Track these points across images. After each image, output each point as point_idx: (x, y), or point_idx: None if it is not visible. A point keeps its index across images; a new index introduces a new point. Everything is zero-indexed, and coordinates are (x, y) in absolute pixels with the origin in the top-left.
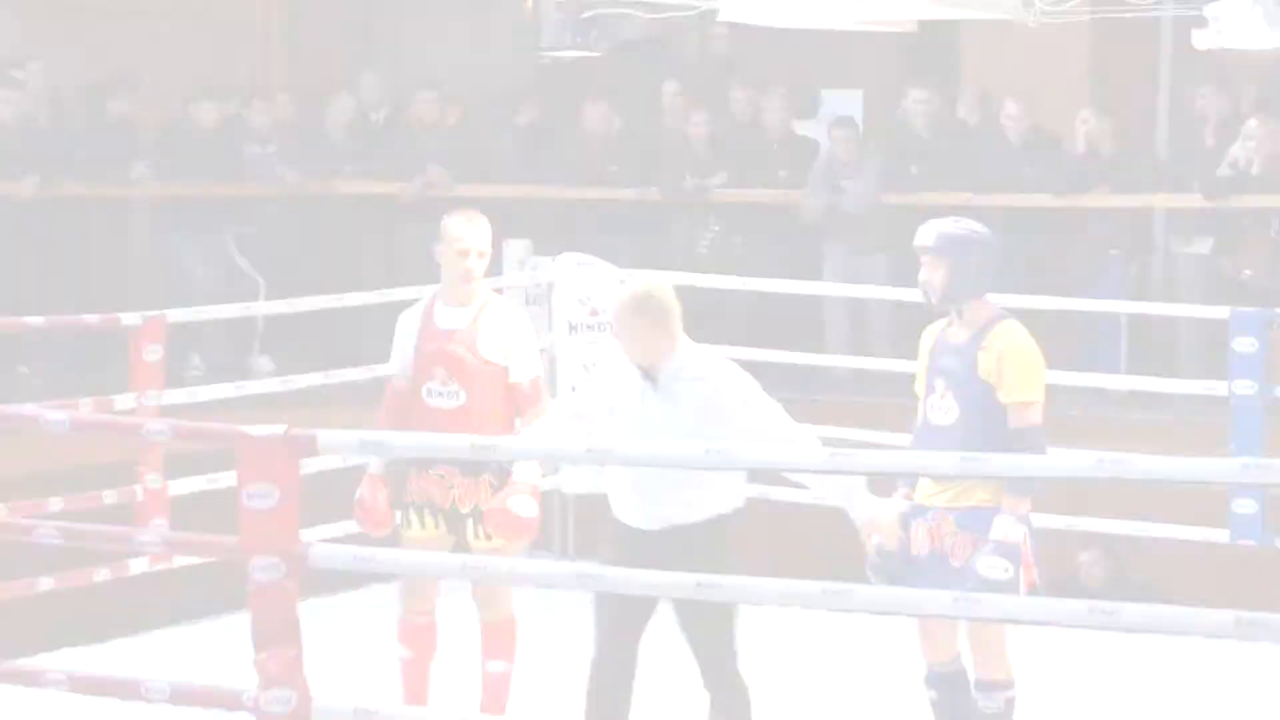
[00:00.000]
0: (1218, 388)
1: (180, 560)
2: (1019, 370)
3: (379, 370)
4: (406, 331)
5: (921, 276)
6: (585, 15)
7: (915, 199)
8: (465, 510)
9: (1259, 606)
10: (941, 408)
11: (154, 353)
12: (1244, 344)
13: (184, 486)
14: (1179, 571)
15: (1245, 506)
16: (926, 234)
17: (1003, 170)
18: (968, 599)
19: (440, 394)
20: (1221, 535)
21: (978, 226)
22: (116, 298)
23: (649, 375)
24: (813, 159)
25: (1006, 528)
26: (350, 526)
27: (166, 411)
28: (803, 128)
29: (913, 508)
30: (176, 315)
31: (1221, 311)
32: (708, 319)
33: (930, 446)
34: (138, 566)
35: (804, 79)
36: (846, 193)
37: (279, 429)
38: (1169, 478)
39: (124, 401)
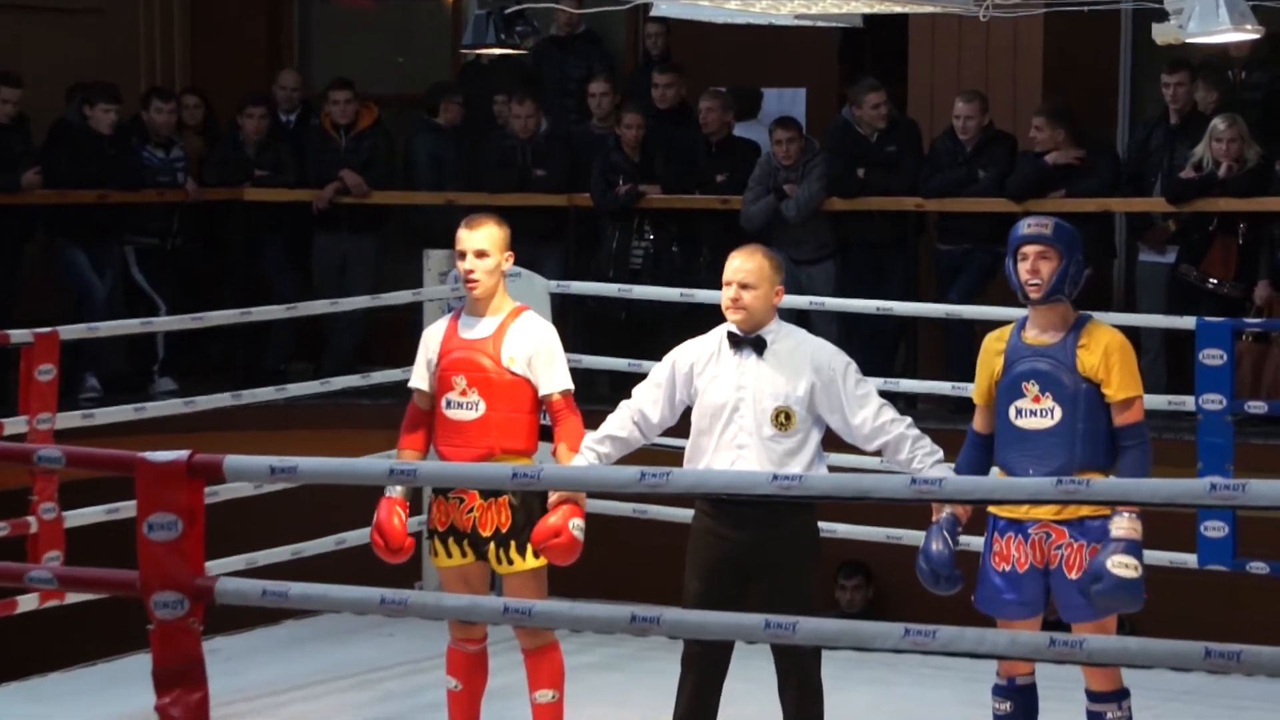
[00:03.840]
0: (1184, 402)
1: (75, 597)
2: (1124, 366)
3: (291, 390)
4: (429, 344)
5: (1026, 267)
6: (509, 10)
7: (862, 204)
8: (487, 534)
9: (1230, 636)
10: (1036, 411)
11: (46, 372)
12: (1211, 356)
13: (80, 517)
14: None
15: (1215, 529)
16: (1041, 224)
17: (955, 174)
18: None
19: (459, 405)
20: (1189, 560)
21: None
22: (4, 313)
23: (751, 340)
24: (753, 162)
25: (1127, 525)
26: (259, 558)
27: (60, 436)
28: (742, 129)
29: (994, 522)
30: (70, 332)
31: (1187, 321)
32: (643, 333)
33: (1030, 453)
34: (28, 604)
35: (743, 77)
36: (789, 198)
37: (182, 454)
38: (1131, 499)
39: (14, 425)
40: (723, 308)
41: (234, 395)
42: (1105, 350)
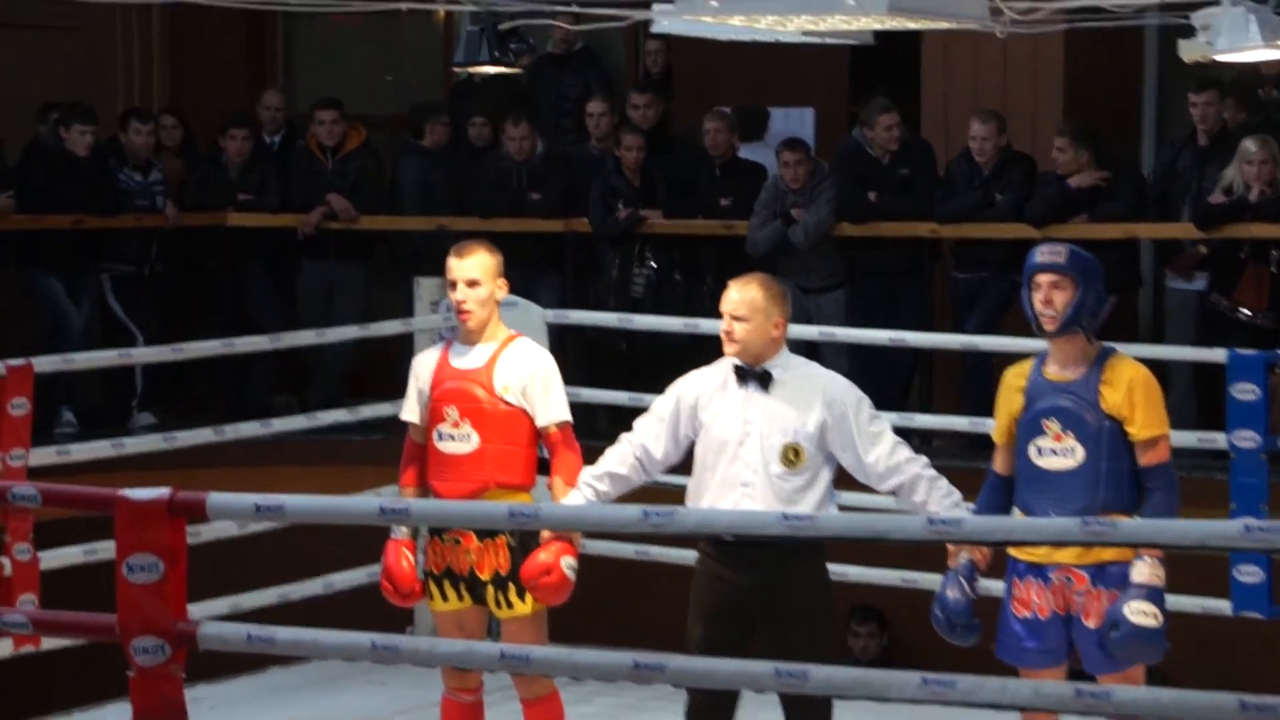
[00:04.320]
0: (1215, 439)
1: (51, 642)
2: (1149, 402)
3: (276, 425)
4: (420, 374)
5: (1039, 298)
6: (503, 27)
7: (873, 229)
8: (485, 577)
9: (1266, 688)
10: (1058, 450)
11: (20, 406)
12: (1243, 390)
13: (56, 558)
14: (1175, 647)
15: (1249, 574)
16: (1055, 252)
17: (971, 197)
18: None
19: (451, 437)
20: (1223, 607)
21: (1093, 257)
22: None
23: (757, 373)
24: (759, 186)
25: (1149, 571)
26: (243, 602)
27: (35, 473)
28: (748, 151)
29: (1014, 565)
30: (45, 364)
31: (1217, 354)
32: (644, 365)
33: (1051, 493)
34: (1, 650)
35: (749, 96)
36: (797, 223)
37: (163, 492)
38: (1161, 541)
39: None
40: (722, 338)
41: (216, 430)
42: (1129, 386)
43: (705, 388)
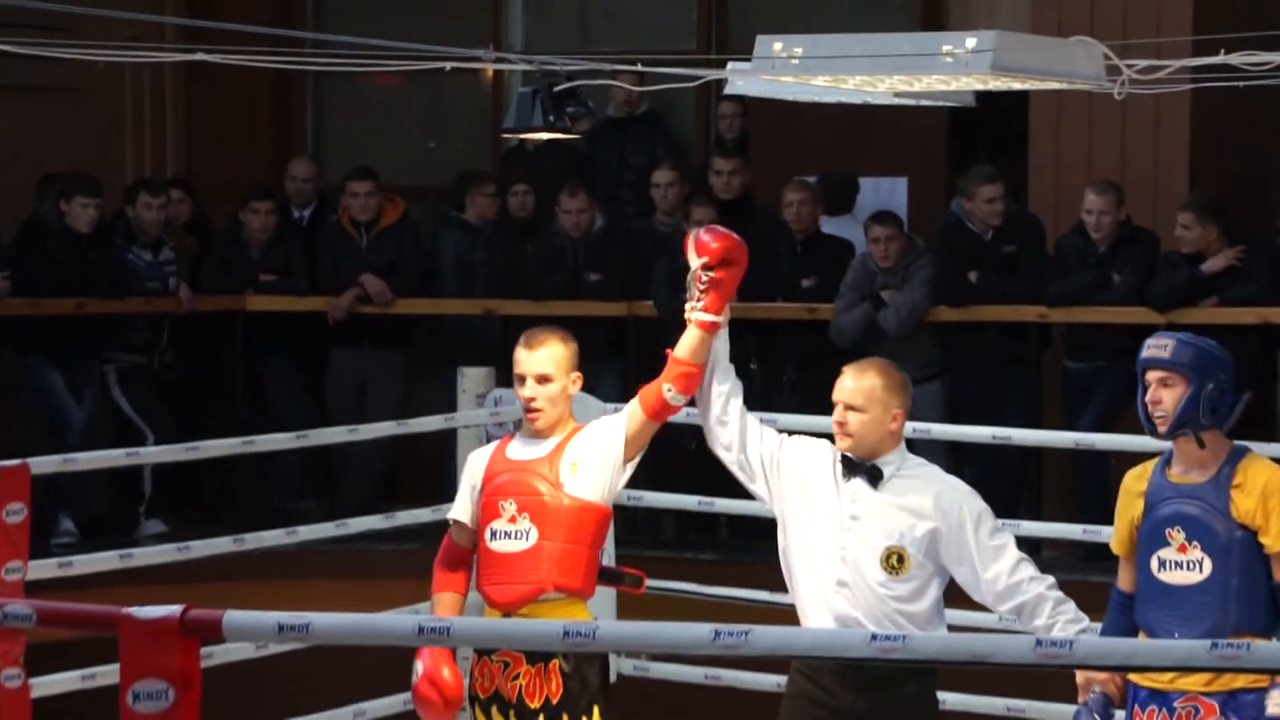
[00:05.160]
0: None
1: None
2: None
3: (302, 533)
4: (474, 470)
5: (1148, 398)
6: (559, 88)
7: (974, 314)
8: (535, 705)
9: None
10: (1183, 563)
11: (16, 513)
12: None
13: (50, 685)
14: None
15: None
16: (1160, 345)
17: (1085, 278)
18: None
19: (506, 535)
20: None
21: (1215, 344)
22: None
23: (867, 469)
24: (845, 265)
25: None
26: None
27: (31, 588)
28: (833, 225)
29: (1135, 692)
30: (43, 464)
31: None
32: (715, 466)
33: (1175, 611)
34: None
35: (835, 165)
36: (888, 306)
37: (174, 609)
38: None
39: None
40: (833, 430)
41: (235, 539)
42: (1264, 491)
43: (810, 462)
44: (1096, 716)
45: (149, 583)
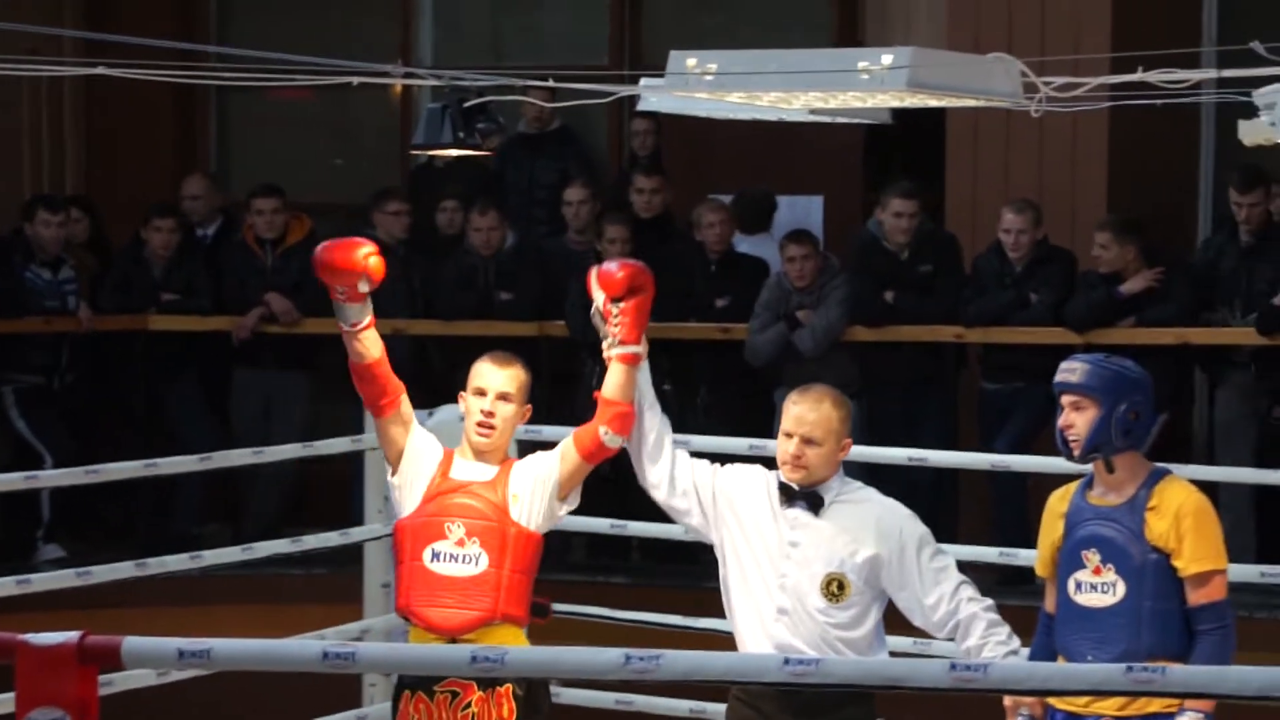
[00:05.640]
0: (1279, 574)
1: None
2: (1199, 533)
3: (206, 558)
4: (431, 451)
5: (1061, 421)
6: (468, 104)
7: (890, 334)
8: None
9: None
10: (1097, 585)
11: None
12: None
13: None
14: None
15: None
16: (1070, 369)
17: (1002, 297)
18: None
19: (451, 557)
20: None
21: (1131, 365)
22: None
23: (806, 495)
24: (759, 284)
25: None
26: None
27: None
28: (748, 244)
29: (1051, 714)
30: None
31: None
32: (629, 489)
33: (1090, 634)
34: None
35: (750, 182)
36: (803, 326)
37: (72, 636)
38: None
39: None
40: (779, 462)
41: (137, 564)
42: (1177, 514)
43: (744, 491)
44: None
45: (47, 609)
